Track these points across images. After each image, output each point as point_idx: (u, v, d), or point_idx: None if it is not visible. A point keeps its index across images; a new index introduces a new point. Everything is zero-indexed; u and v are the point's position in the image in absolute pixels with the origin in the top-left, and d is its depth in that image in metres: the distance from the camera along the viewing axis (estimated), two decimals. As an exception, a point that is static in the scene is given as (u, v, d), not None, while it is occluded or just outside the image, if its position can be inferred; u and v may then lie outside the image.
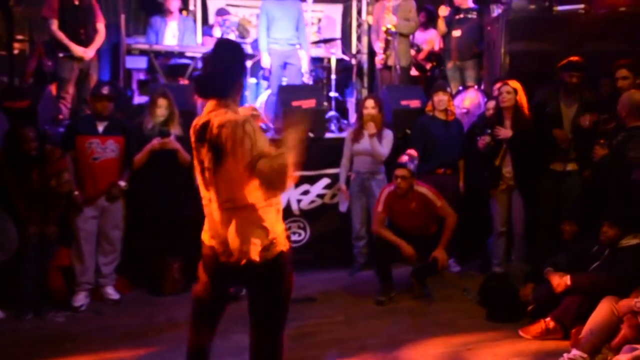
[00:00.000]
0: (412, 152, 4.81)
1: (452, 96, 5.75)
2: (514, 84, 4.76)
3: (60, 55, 5.67)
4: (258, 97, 6.70)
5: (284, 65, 6.59)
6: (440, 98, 5.23)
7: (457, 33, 6.58)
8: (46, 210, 4.37)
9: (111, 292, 4.61)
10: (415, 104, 5.75)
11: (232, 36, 6.99)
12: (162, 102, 4.76)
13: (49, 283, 4.45)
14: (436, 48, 7.36)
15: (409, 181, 4.56)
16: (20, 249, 4.28)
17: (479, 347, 3.77)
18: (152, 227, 4.71)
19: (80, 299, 4.47)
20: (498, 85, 5.05)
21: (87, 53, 5.68)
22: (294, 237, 5.37)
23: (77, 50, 5.62)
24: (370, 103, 5.18)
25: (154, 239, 4.71)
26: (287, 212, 5.33)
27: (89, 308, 4.45)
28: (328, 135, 5.85)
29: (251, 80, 6.86)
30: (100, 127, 4.56)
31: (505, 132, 4.71)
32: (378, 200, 4.76)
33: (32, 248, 4.30)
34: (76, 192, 4.46)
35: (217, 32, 6.88)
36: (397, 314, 4.35)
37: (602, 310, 3.52)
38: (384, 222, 4.70)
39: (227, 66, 2.48)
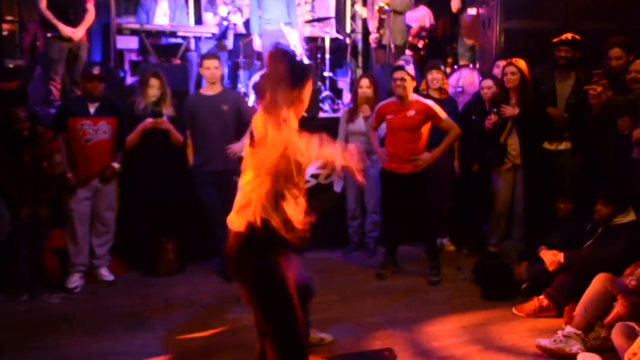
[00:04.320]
0: (407, 56, 4.74)
1: (447, 75, 5.72)
2: (519, 62, 4.68)
3: (49, 35, 5.60)
4: (251, 78, 6.64)
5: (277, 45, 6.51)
6: (434, 76, 5.19)
7: (472, 11, 6.45)
8: (38, 192, 4.34)
9: (105, 274, 4.61)
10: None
11: (238, 16, 6.89)
12: (153, 82, 4.71)
13: (43, 265, 4.44)
14: (427, 25, 7.29)
15: (408, 84, 4.47)
16: (13, 231, 4.26)
17: (473, 325, 3.80)
18: (145, 208, 4.68)
19: (75, 281, 4.46)
20: (502, 64, 4.97)
21: (76, 33, 5.60)
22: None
23: (66, 30, 5.54)
24: (365, 82, 5.14)
25: (147, 220, 4.69)
26: (282, 193, 5.31)
27: (83, 289, 4.45)
28: (322, 115, 5.81)
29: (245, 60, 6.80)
30: (92, 109, 4.52)
31: (512, 110, 4.68)
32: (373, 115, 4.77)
33: (25, 230, 4.27)
34: (69, 174, 4.43)
35: (222, 11, 6.72)
36: (392, 293, 4.37)
37: (596, 287, 3.54)
38: (373, 128, 4.81)
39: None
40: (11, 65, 5.95)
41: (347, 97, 6.81)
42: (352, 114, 5.17)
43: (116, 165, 4.57)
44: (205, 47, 6.53)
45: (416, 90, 5.42)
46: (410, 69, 4.59)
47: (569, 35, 4.69)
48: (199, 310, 4.08)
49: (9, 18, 6.42)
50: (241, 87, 6.65)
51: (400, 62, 4.64)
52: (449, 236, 5.34)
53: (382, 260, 4.79)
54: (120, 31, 6.30)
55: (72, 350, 3.49)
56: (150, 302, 4.19)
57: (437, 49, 7.22)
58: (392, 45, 6.45)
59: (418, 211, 4.64)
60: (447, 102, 5.24)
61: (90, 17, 5.74)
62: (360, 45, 8.17)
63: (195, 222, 4.81)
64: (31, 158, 4.32)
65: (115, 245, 4.70)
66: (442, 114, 4.52)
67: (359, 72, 7.82)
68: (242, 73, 6.82)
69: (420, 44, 7.26)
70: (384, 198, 4.78)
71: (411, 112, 4.49)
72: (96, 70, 4.55)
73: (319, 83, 6.16)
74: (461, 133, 4.60)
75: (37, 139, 4.36)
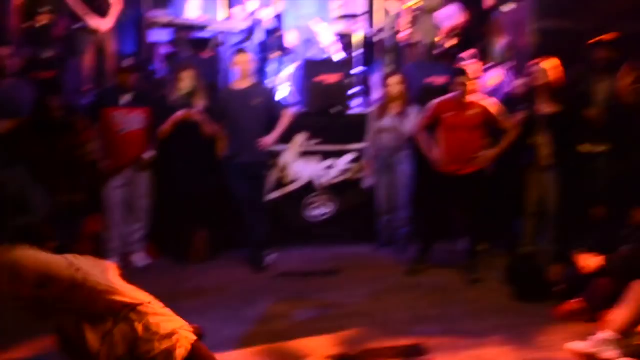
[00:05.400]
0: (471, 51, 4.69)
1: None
2: (550, 61, 4.63)
3: (77, 26, 5.66)
4: (282, 72, 6.65)
5: (308, 41, 6.54)
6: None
7: (508, 7, 6.33)
8: (73, 180, 4.42)
9: (139, 259, 4.69)
10: (440, 80, 5.67)
11: (268, 10, 6.89)
12: (186, 74, 4.76)
13: (78, 250, 4.50)
14: (457, 23, 7.21)
15: (470, 87, 4.45)
16: (49, 217, 4.32)
17: (504, 325, 3.74)
18: (178, 197, 4.75)
19: (108, 266, 4.53)
20: (532, 63, 4.92)
21: (103, 25, 5.65)
22: (318, 212, 5.37)
23: (93, 21, 5.60)
24: (394, 80, 5.12)
25: (180, 209, 4.76)
26: (312, 187, 5.33)
27: (116, 275, 4.51)
28: (352, 111, 5.81)
29: (276, 54, 6.81)
30: (125, 99, 4.58)
31: (543, 109, 4.62)
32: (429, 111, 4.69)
33: (61, 216, 4.34)
34: (103, 163, 4.49)
35: (252, 5, 6.72)
36: (422, 290, 4.33)
37: (634, 292, 3.46)
38: (424, 128, 4.68)
39: None
40: (47, 56, 6.03)
41: (377, 94, 6.78)
42: (382, 110, 5.15)
43: (149, 154, 4.62)
44: (235, 41, 6.56)
45: (446, 88, 5.41)
46: (474, 67, 4.54)
47: (608, 36, 4.62)
48: (230, 298, 4.11)
49: (45, 9, 6.51)
50: (270, 82, 6.67)
51: (464, 63, 4.62)
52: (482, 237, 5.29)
53: (414, 257, 4.75)
54: (153, 24, 6.36)
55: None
56: (182, 289, 4.23)
57: (467, 48, 7.15)
58: (423, 43, 6.41)
59: (470, 210, 4.61)
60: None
61: (116, 8, 5.78)
62: (390, 42, 8.12)
63: (227, 213, 4.85)
64: (65, 146, 4.39)
65: (149, 232, 4.76)
66: (500, 117, 4.51)
67: (389, 68, 7.78)
68: (271, 67, 6.84)
69: (451, 43, 7.20)
70: (431, 197, 4.71)
71: (473, 110, 4.47)
72: (129, 62, 4.62)
73: (349, 79, 6.15)
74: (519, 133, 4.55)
75: (71, 128, 4.43)
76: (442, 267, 4.77)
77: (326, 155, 5.36)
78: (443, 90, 5.44)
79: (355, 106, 6.12)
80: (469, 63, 4.64)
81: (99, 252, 4.55)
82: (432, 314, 3.90)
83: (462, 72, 4.51)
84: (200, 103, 4.76)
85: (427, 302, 4.12)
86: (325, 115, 5.45)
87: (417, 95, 5.50)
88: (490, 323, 3.76)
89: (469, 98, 4.48)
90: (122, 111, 4.56)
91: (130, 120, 4.58)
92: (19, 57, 5.11)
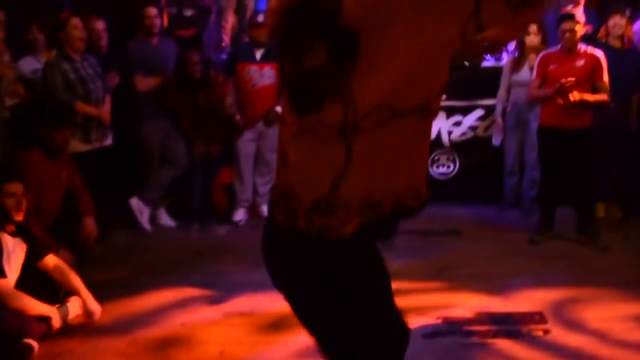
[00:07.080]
0: None
1: (631, 21, 5.08)
2: None
3: None
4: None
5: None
6: (616, 22, 4.67)
7: None
8: (211, 132, 4.77)
9: (267, 210, 4.97)
10: (585, 29, 5.18)
11: None
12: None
13: (213, 199, 4.93)
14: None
15: (578, 33, 4.15)
16: (189, 167, 4.74)
17: (637, 300, 3.46)
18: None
19: (240, 215, 4.89)
20: None
21: None
22: (442, 170, 5.30)
23: None
24: (532, 29, 4.78)
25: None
26: (437, 143, 5.24)
27: (246, 223, 4.85)
28: (484, 64, 5.53)
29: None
30: (258, 55, 4.77)
31: None
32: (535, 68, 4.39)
33: (198, 166, 4.75)
34: (237, 116, 4.78)
35: None
36: (546, 257, 4.15)
37: None
38: (538, 87, 4.35)
39: None
40: (189, 14, 6.39)
41: (512, 44, 6.36)
42: (517, 63, 4.88)
43: (279, 109, 4.81)
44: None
45: (592, 38, 4.95)
46: (580, 12, 4.17)
47: None
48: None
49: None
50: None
51: (569, 8, 4.23)
52: (615, 201, 4.91)
53: (537, 224, 4.48)
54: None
55: (237, 278, 3.82)
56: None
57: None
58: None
59: (579, 171, 4.30)
60: (628, 53, 4.71)
61: None
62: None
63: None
64: (204, 99, 4.73)
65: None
66: (605, 72, 4.14)
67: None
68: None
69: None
70: (544, 156, 4.46)
71: (580, 62, 4.14)
72: (261, 18, 4.77)
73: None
74: (609, 103, 4.20)
75: (210, 82, 4.74)
76: (572, 234, 4.45)
77: (453, 110, 5.20)
78: (589, 39, 5.01)
79: (489, 59, 5.81)
80: (576, 11, 4.20)
81: (231, 201, 4.93)
82: (555, 282, 3.72)
83: (570, 17, 4.11)
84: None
85: (551, 269, 3.94)
86: (455, 68, 5.24)
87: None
88: (620, 297, 3.48)
89: (577, 48, 4.14)
90: (255, 66, 4.76)
91: (263, 75, 4.77)
92: (164, 16, 5.47)
